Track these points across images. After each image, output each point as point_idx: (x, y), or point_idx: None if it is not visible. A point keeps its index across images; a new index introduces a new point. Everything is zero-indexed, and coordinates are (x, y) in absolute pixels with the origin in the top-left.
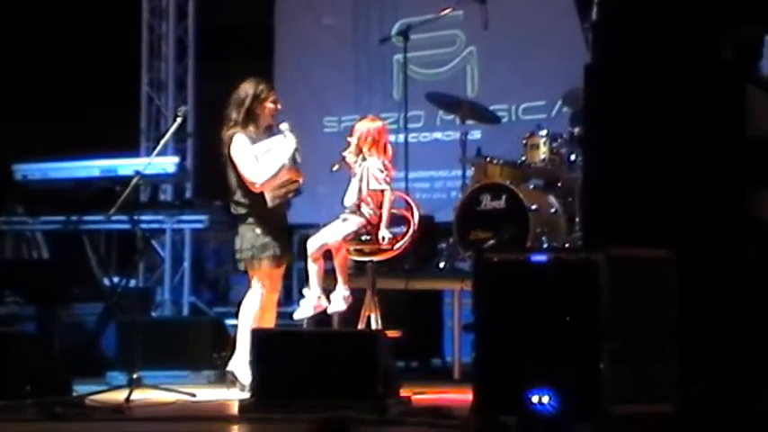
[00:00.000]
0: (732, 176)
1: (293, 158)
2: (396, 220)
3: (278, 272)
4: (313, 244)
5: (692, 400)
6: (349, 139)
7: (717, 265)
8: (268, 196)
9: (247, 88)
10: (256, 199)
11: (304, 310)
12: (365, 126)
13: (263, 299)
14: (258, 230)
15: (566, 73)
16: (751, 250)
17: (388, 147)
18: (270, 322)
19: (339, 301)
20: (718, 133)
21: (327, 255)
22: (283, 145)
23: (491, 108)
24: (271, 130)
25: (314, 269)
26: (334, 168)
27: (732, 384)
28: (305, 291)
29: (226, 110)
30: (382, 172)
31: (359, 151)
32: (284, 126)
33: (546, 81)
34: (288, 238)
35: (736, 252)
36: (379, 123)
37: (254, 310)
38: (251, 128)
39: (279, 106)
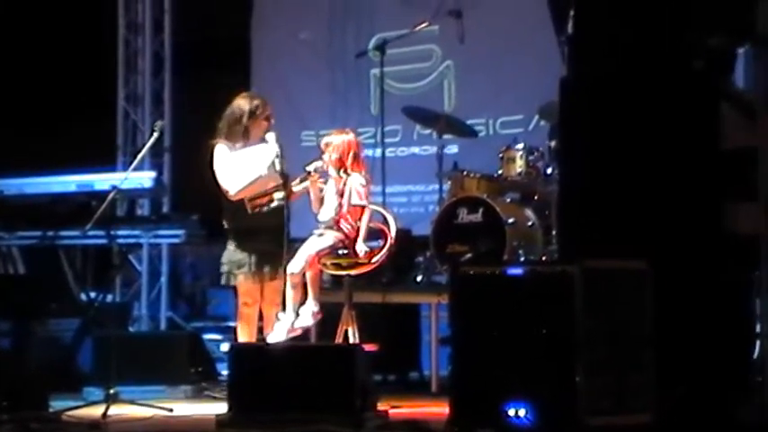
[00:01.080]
0: (706, 189)
1: (274, 166)
2: (373, 234)
3: (255, 287)
4: (294, 267)
5: (672, 406)
6: (324, 154)
7: (691, 277)
8: (248, 206)
9: (243, 104)
10: (235, 211)
11: (278, 334)
12: (343, 139)
13: (242, 313)
14: (234, 246)
15: (543, 86)
16: (725, 262)
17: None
18: (252, 337)
19: (308, 317)
20: (692, 146)
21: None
22: (263, 152)
23: (468, 122)
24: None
25: (291, 294)
26: (311, 169)
27: (710, 392)
28: (280, 314)
29: (218, 122)
30: (364, 187)
31: (340, 165)
32: (270, 135)
33: (523, 94)
34: (281, 250)
35: (713, 265)
36: (352, 136)
37: (244, 330)
38: (239, 142)
39: (272, 121)
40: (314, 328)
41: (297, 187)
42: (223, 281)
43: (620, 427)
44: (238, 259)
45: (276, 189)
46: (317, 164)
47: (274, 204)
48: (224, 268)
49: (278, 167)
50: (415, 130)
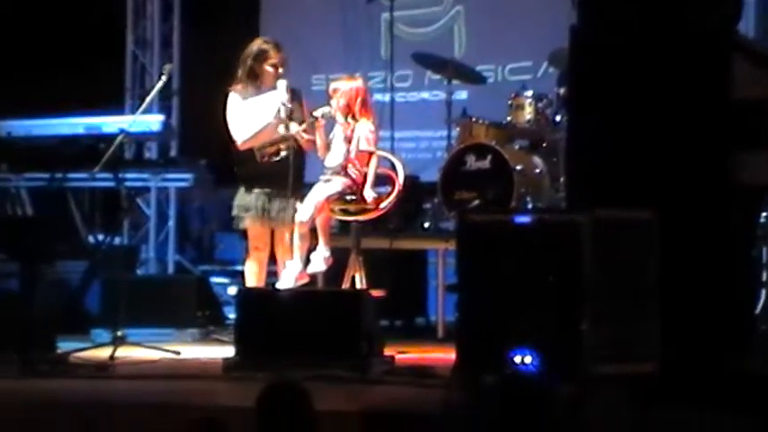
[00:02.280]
0: (716, 140)
1: (279, 113)
2: (380, 180)
3: (264, 231)
4: (303, 215)
5: (669, 361)
6: (332, 100)
7: (699, 228)
8: (257, 155)
9: (252, 46)
10: (243, 157)
11: (286, 281)
12: (351, 86)
13: (256, 257)
14: (243, 190)
15: (553, 33)
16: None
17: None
18: (261, 281)
19: (319, 262)
20: (702, 96)
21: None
22: (272, 100)
23: (478, 68)
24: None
25: (299, 243)
26: (318, 114)
27: (710, 346)
28: (288, 262)
29: (233, 68)
30: (372, 133)
31: (348, 111)
32: (280, 83)
33: (533, 41)
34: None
35: (719, 215)
36: (360, 82)
37: (251, 271)
38: (251, 87)
39: (281, 70)
40: (321, 273)
41: (302, 132)
42: (234, 224)
43: (624, 375)
44: (246, 203)
45: (284, 139)
46: (325, 109)
47: (283, 154)
48: (234, 212)
49: (283, 115)
50: (426, 76)
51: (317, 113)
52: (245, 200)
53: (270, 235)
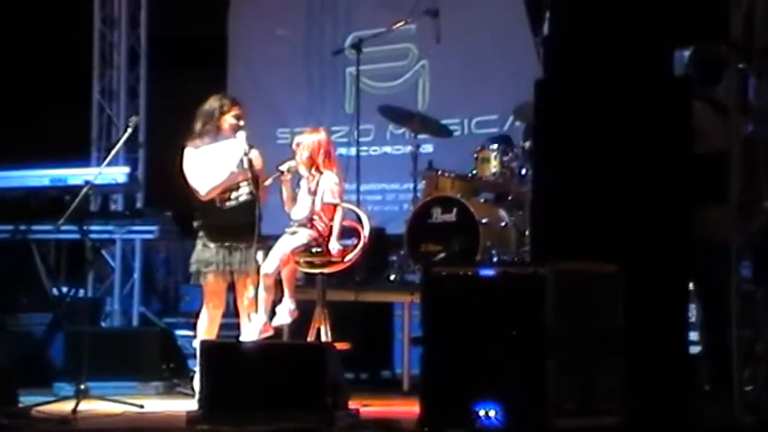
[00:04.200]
0: (679, 192)
1: (242, 163)
2: (346, 233)
3: (221, 288)
4: (268, 268)
5: (636, 412)
6: (296, 150)
7: (662, 281)
8: (217, 201)
9: (212, 102)
10: (205, 210)
11: (250, 334)
12: (314, 138)
13: (210, 314)
14: (201, 244)
15: (520, 86)
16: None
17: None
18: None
19: (285, 315)
20: (665, 150)
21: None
22: (232, 150)
23: (444, 121)
24: None
25: (264, 295)
26: (284, 168)
27: (675, 396)
28: (252, 315)
29: (192, 123)
30: (337, 185)
31: (312, 164)
32: (240, 134)
33: (499, 94)
34: (251, 246)
35: (682, 267)
36: (323, 134)
37: (203, 327)
38: (207, 140)
39: (241, 122)
40: (286, 326)
41: (268, 181)
42: (192, 280)
43: (587, 428)
44: (206, 258)
45: (245, 181)
46: (290, 163)
47: (243, 198)
48: (192, 267)
49: (245, 165)
50: (388, 130)
51: (283, 168)
52: (205, 255)
53: (225, 292)
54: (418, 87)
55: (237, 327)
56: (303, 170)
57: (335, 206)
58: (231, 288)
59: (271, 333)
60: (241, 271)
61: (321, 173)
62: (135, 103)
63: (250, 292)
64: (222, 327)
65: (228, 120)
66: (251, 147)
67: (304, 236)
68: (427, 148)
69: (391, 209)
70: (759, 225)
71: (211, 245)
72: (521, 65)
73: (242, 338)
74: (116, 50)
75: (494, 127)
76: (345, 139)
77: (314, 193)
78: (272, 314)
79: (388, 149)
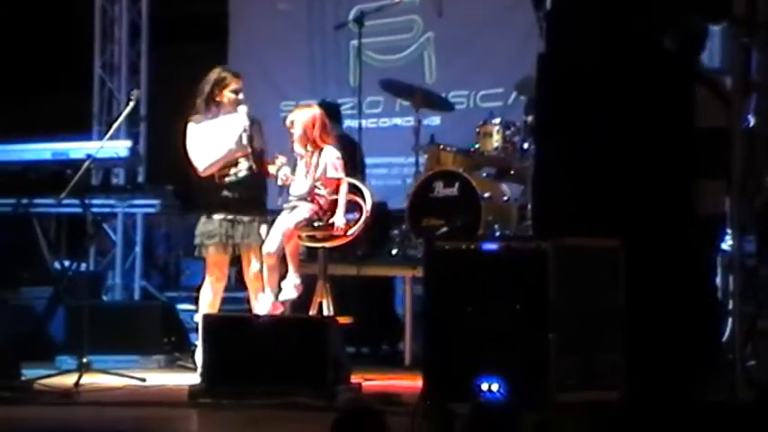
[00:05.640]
0: (679, 167)
1: (241, 139)
2: (348, 207)
3: (224, 260)
4: (270, 246)
5: (636, 390)
6: (291, 130)
7: (663, 256)
8: (216, 177)
9: (211, 75)
10: (204, 184)
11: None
12: (306, 114)
13: (213, 287)
14: (205, 217)
15: (524, 60)
16: (695, 241)
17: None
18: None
19: (290, 289)
20: (666, 124)
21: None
22: (232, 126)
23: (450, 95)
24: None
25: (268, 275)
26: (281, 182)
27: (674, 374)
28: (259, 296)
29: (195, 97)
30: (339, 159)
31: (306, 141)
32: (241, 108)
33: (504, 68)
34: (253, 219)
35: (682, 243)
36: (316, 109)
37: (206, 300)
38: (209, 114)
39: (240, 96)
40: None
41: (272, 168)
42: (196, 252)
43: (588, 403)
44: (209, 230)
45: (244, 157)
46: (285, 171)
47: (242, 174)
48: (197, 240)
49: (244, 141)
50: (397, 102)
51: (279, 182)
52: (208, 227)
53: (228, 266)
54: (424, 60)
55: (239, 301)
56: (298, 148)
57: (339, 180)
58: (233, 262)
59: (281, 310)
60: (244, 244)
61: (320, 148)
62: (136, 78)
63: (254, 265)
64: (224, 301)
65: (227, 94)
66: (254, 121)
67: (305, 210)
68: (435, 121)
69: (394, 183)
70: (762, 201)
71: (214, 217)
72: (526, 38)
73: None
74: (117, 25)
75: (499, 101)
76: (352, 112)
77: (314, 168)
78: (278, 290)
79: (397, 121)
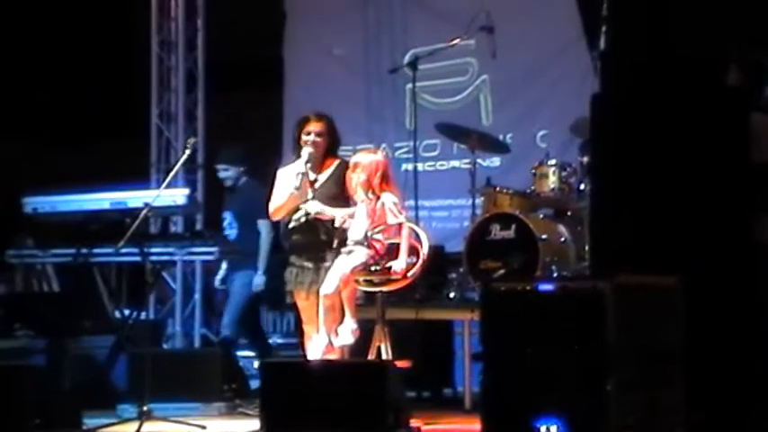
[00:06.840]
0: (738, 203)
1: (298, 184)
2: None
3: (304, 305)
4: (328, 288)
5: (697, 424)
6: (351, 174)
7: (724, 291)
8: (283, 223)
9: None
10: (284, 230)
11: (312, 355)
12: (371, 160)
13: (305, 331)
14: (288, 264)
15: (579, 100)
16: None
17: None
18: None
19: (347, 335)
20: (723, 160)
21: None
22: (295, 169)
23: (507, 136)
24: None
25: (324, 316)
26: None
27: (735, 410)
28: (314, 336)
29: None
30: (396, 205)
31: (368, 187)
32: (304, 150)
33: (560, 109)
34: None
35: (743, 278)
36: (380, 155)
37: (303, 344)
38: (294, 157)
39: (312, 138)
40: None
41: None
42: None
43: None
44: (287, 278)
45: (304, 202)
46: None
47: (303, 219)
48: (285, 287)
49: (298, 184)
50: (454, 144)
51: (336, 224)
52: (286, 275)
53: (315, 309)
54: (480, 102)
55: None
56: (360, 193)
57: (399, 225)
58: (291, 308)
59: (335, 355)
60: (312, 292)
61: (378, 196)
62: (193, 125)
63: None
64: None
65: (303, 136)
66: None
67: (362, 254)
68: (495, 162)
69: (453, 225)
70: None
71: (291, 264)
72: (582, 79)
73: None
74: (173, 74)
75: (554, 141)
76: (409, 155)
77: (373, 213)
78: (334, 334)
79: (455, 164)
